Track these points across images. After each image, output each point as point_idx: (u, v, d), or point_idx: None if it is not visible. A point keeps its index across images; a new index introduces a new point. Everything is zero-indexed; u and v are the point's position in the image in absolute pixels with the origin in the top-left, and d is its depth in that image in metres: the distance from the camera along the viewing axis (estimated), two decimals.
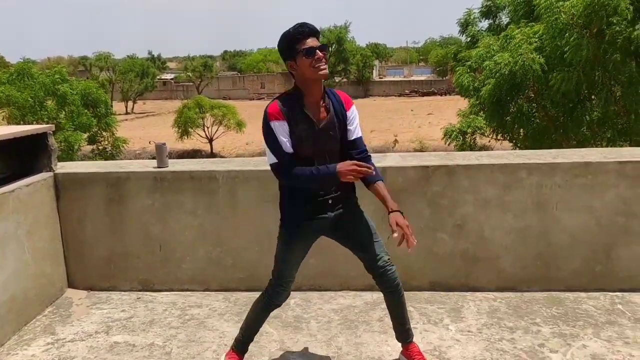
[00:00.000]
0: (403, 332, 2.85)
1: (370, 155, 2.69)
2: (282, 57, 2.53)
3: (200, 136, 37.63)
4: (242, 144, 38.31)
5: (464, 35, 17.17)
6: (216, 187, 3.81)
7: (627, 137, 11.33)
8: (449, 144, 15.15)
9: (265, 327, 3.34)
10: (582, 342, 3.09)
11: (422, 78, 74.88)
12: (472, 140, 14.54)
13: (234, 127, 36.85)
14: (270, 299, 2.79)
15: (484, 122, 13.52)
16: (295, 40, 2.44)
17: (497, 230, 3.72)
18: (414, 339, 2.89)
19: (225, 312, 3.62)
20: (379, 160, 3.88)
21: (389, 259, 2.68)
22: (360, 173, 2.42)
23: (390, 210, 2.51)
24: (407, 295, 3.69)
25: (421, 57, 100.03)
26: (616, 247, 3.67)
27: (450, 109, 34.50)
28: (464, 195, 3.70)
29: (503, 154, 4.02)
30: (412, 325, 3.31)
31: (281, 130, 2.47)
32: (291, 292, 2.84)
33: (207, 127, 37.74)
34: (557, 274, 3.72)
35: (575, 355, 2.96)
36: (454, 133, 14.73)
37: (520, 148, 12.72)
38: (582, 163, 3.63)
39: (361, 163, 2.44)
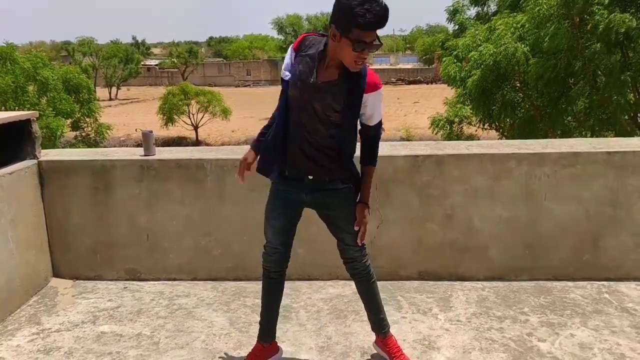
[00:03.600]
0: (376, 322, 2.79)
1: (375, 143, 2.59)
2: (332, 15, 2.26)
3: (186, 123, 37.35)
4: (228, 131, 38.11)
5: (452, 24, 17.19)
6: (204, 176, 3.77)
7: (611, 126, 11.44)
8: (436, 133, 15.21)
9: (255, 317, 3.32)
10: (569, 331, 3.12)
11: (409, 66, 74.92)
12: (460, 130, 14.61)
13: (219, 115, 36.62)
14: (263, 264, 2.76)
15: (471, 111, 13.58)
16: (355, 22, 2.14)
17: (487, 220, 3.72)
18: (401, 329, 2.88)
19: (214, 302, 3.60)
20: None
21: (357, 252, 2.64)
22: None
23: (360, 199, 2.55)
24: (397, 285, 3.74)
25: (408, 46, 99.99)
26: (603, 236, 3.70)
27: (436, 98, 34.58)
28: (454, 185, 3.70)
29: (492, 143, 4.02)
30: (401, 315, 3.34)
31: (288, 54, 2.46)
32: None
33: (193, 114, 37.46)
34: (545, 264, 3.74)
35: (563, 344, 2.98)
36: (442, 122, 14.80)
37: (507, 137, 12.81)
38: (570, 153, 3.64)
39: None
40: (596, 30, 9.90)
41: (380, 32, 2.27)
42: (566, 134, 11.57)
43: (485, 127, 13.55)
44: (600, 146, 3.74)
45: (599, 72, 10.86)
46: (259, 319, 2.89)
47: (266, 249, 2.73)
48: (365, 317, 2.88)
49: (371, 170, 2.59)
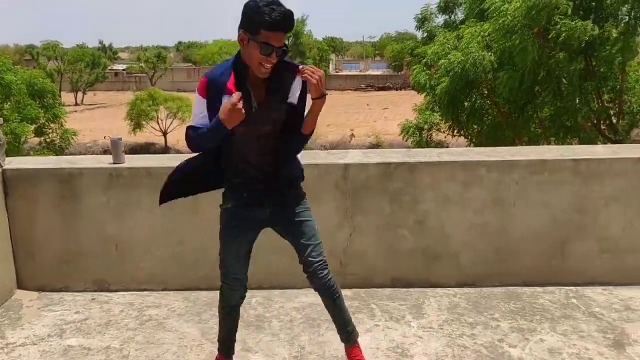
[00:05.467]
0: (343, 333, 2.73)
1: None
2: (240, 21, 2.25)
3: (154, 129, 36.83)
4: None
5: (420, 31, 17.42)
6: None
7: (575, 133, 11.73)
8: (406, 140, 15.35)
9: None
10: (539, 336, 3.17)
11: (378, 73, 75.46)
12: (429, 136, 14.79)
13: (189, 121, 36.23)
14: (221, 298, 2.67)
15: (440, 118, 13.77)
16: (262, 21, 2.15)
17: (458, 226, 3.76)
18: (374, 337, 2.86)
19: (185, 312, 3.54)
20: (341, 157, 3.87)
21: (321, 261, 2.56)
22: (238, 111, 2.20)
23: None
24: (370, 292, 3.75)
25: (377, 52, 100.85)
26: (570, 242, 3.78)
27: (405, 104, 34.90)
28: (425, 192, 3.73)
29: (463, 151, 4.08)
30: (374, 323, 3.34)
31: (199, 104, 2.37)
32: (252, 291, 2.77)
33: (161, 120, 36.96)
34: (514, 269, 3.80)
35: (533, 349, 3.03)
36: (411, 129, 14.94)
37: (475, 144, 13.01)
38: (538, 161, 3.71)
39: (236, 101, 2.20)
40: (558, 39, 10.16)
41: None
42: (532, 140, 11.82)
43: (455, 133, 13.76)
44: (567, 154, 3.83)
45: (563, 80, 11.13)
46: None
47: (227, 282, 2.61)
48: None
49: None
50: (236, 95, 2.23)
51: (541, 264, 3.79)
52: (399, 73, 67.90)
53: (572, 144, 12.09)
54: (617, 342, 3.07)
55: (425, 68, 12.97)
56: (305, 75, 2.29)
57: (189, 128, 2.42)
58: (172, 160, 3.91)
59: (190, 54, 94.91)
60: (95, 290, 3.84)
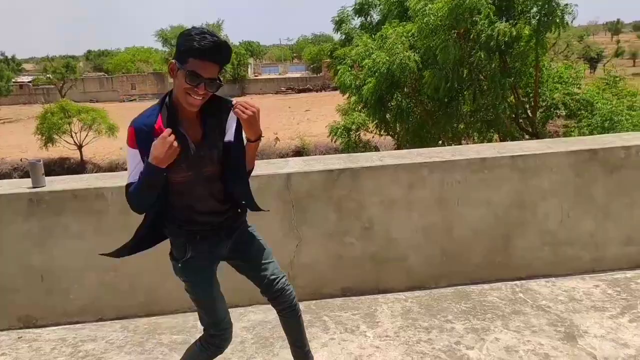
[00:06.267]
0: (301, 356, 2.58)
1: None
2: (175, 48, 2.09)
3: (68, 143, 34.99)
4: (116, 149, 36.24)
5: (338, 33, 17.61)
6: (105, 206, 3.44)
7: (495, 127, 12.20)
8: (334, 141, 15.40)
9: (174, 356, 3.07)
10: (494, 335, 3.17)
11: (297, 75, 75.68)
12: (357, 137, 14.91)
13: (105, 132, 34.68)
14: (210, 354, 2.41)
15: (367, 118, 13.92)
16: (191, 48, 1.99)
17: (404, 230, 3.73)
18: (331, 352, 2.74)
19: (125, 344, 3.28)
20: (281, 167, 3.73)
21: (285, 279, 2.45)
22: (169, 145, 1.97)
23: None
24: (320, 304, 3.64)
25: (295, 55, 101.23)
26: (512, 237, 3.84)
27: (327, 105, 35.16)
28: (370, 197, 3.67)
29: (404, 153, 4.05)
30: (329, 336, 3.23)
31: (132, 157, 2.12)
32: (195, 314, 2.54)
33: (75, 133, 35.17)
34: (461, 268, 3.81)
35: (490, 349, 3.02)
36: (339, 130, 15.01)
37: (401, 142, 13.24)
38: (478, 159, 3.74)
39: (165, 135, 1.98)
40: (479, 39, 10.53)
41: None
42: (456, 136, 12.19)
43: (382, 133, 13.95)
44: (504, 151, 3.88)
45: (483, 78, 11.55)
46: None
47: (220, 334, 2.37)
48: None
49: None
50: (166, 131, 2.00)
51: (486, 261, 3.83)
52: (318, 75, 68.47)
53: (492, 139, 12.57)
54: (569, 335, 3.12)
55: (350, 68, 13.06)
56: (236, 111, 2.08)
57: (127, 187, 2.15)
58: (99, 180, 3.63)
59: (102, 63, 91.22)
60: (21, 328, 3.49)
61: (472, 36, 10.67)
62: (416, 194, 3.70)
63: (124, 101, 65.91)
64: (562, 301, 3.52)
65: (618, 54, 65.51)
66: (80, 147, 35.77)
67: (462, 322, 3.33)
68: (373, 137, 15.20)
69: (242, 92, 67.70)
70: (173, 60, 2.07)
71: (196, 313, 2.52)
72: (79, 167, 33.80)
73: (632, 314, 3.32)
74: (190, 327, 3.41)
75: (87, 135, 35.27)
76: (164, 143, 1.99)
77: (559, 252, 3.87)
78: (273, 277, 2.42)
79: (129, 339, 3.33)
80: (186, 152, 2.09)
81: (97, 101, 57.32)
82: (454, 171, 3.71)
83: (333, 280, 3.71)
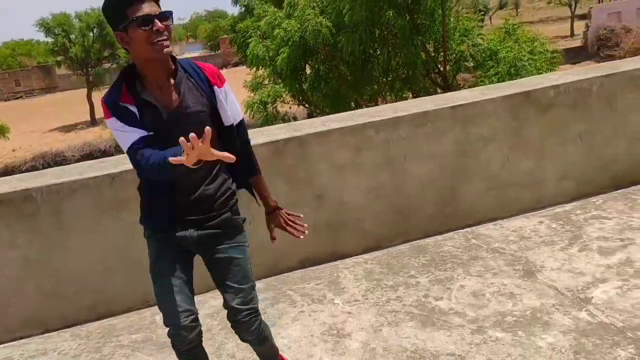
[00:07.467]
0: None
1: (249, 143, 2.28)
2: (110, 25, 1.91)
3: None
4: (8, 151, 33.88)
5: (237, 5, 17.21)
6: (35, 208, 3.12)
7: (410, 85, 12.43)
8: (252, 117, 15.10)
9: (139, 356, 2.89)
10: (458, 282, 3.22)
11: (196, 54, 73.51)
12: (275, 109, 14.70)
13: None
14: (174, 348, 2.15)
15: (283, 90, 13.74)
16: (124, 3, 1.83)
17: (355, 193, 3.68)
18: (304, 325, 2.65)
19: (80, 352, 3.03)
20: None
21: (251, 312, 2.14)
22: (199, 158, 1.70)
23: (273, 208, 2.28)
24: (281, 279, 3.55)
25: (189, 34, 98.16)
26: (459, 187, 3.90)
27: (231, 82, 34.38)
28: (319, 164, 3.58)
29: (346, 115, 3.98)
30: (298, 309, 3.15)
31: (114, 124, 1.93)
32: (155, 308, 2.29)
33: None
34: (414, 223, 3.83)
35: (458, 297, 3.07)
36: (256, 105, 14.72)
37: (319, 110, 13.20)
38: (420, 113, 3.73)
39: (212, 151, 1.72)
40: None
41: None
42: (372, 97, 12.31)
43: (300, 103, 13.85)
44: (443, 102, 3.90)
45: (394, 37, 11.68)
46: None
47: (179, 322, 2.05)
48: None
49: (261, 179, 2.30)
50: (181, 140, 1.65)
51: (437, 213, 3.87)
52: (217, 52, 66.91)
53: (406, 97, 12.80)
54: (528, 272, 3.22)
55: (261, 40, 12.75)
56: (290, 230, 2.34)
57: (129, 151, 1.93)
58: (26, 181, 3.29)
59: None
60: None
61: None
62: (364, 155, 3.65)
63: (9, 100, 61.40)
64: (513, 241, 3.64)
65: (502, 5, 68.66)
66: None
67: (425, 275, 3.35)
68: (290, 108, 15.07)
69: None
70: (117, 32, 1.87)
71: (151, 308, 2.26)
72: None
73: (580, 244, 3.49)
74: (148, 323, 3.21)
75: None
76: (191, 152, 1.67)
77: (502, 195, 3.98)
78: (235, 305, 2.12)
79: (84, 346, 3.08)
80: (158, 120, 1.91)
81: None
82: (399, 128, 3.69)
83: (290, 253, 3.61)
